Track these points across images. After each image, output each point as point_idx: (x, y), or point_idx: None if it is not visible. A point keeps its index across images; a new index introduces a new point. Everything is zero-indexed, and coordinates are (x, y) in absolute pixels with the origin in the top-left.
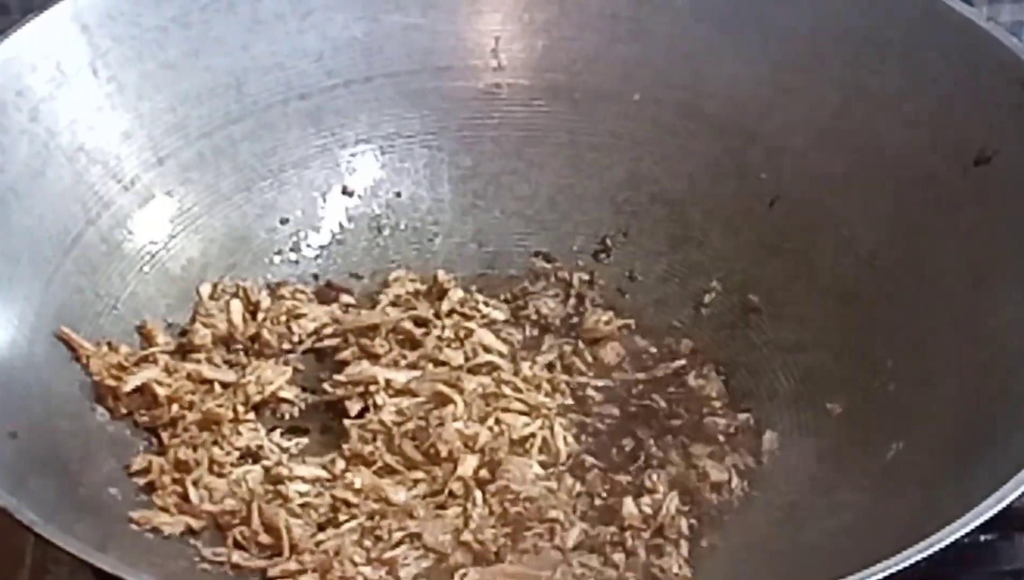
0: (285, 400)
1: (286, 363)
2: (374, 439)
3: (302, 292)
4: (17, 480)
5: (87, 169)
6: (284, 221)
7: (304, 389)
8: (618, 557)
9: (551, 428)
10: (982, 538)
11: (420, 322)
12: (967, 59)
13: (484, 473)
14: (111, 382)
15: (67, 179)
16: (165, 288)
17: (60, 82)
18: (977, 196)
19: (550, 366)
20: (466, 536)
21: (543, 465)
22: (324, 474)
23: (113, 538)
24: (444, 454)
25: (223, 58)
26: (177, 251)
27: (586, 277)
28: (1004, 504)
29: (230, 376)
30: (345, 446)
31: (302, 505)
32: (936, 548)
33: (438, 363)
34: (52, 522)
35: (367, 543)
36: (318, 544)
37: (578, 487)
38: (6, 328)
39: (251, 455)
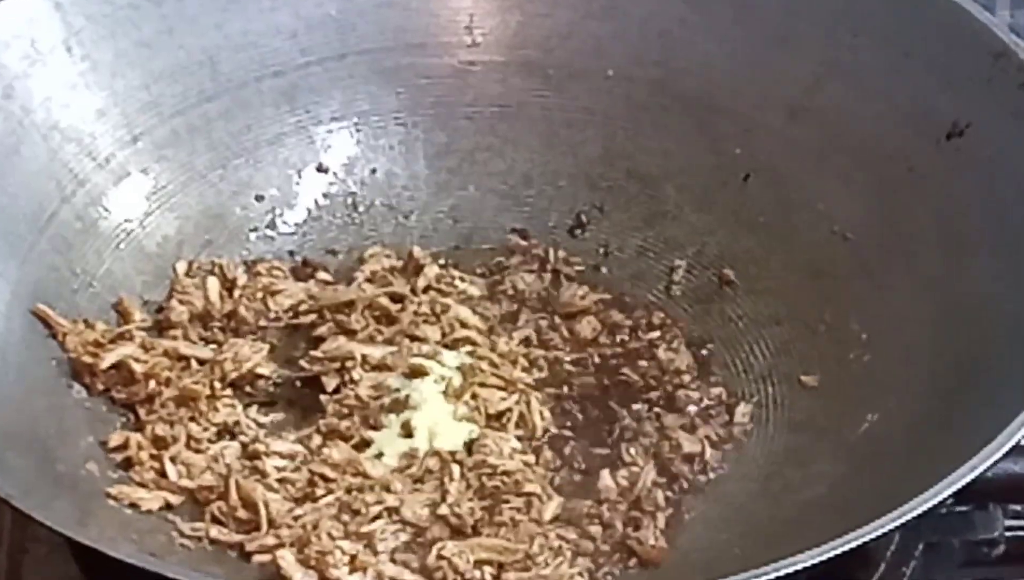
0: (262, 376)
1: (263, 339)
2: (351, 414)
3: (278, 269)
4: None
5: (61, 147)
6: (259, 198)
7: (281, 365)
8: (595, 529)
9: (528, 402)
10: (958, 509)
11: (396, 298)
12: (940, 33)
13: (461, 447)
14: (88, 359)
15: (41, 157)
16: (141, 265)
17: (34, 60)
18: (950, 169)
19: (526, 341)
20: (443, 510)
21: (520, 439)
22: (301, 449)
23: (91, 513)
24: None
25: (197, 36)
26: (152, 229)
27: (562, 253)
28: (976, 474)
29: (207, 353)
30: (322, 421)
31: (279, 480)
32: (909, 517)
33: (414, 338)
34: (30, 497)
35: (345, 517)
36: (296, 518)
37: (555, 460)
38: None
39: (228, 431)
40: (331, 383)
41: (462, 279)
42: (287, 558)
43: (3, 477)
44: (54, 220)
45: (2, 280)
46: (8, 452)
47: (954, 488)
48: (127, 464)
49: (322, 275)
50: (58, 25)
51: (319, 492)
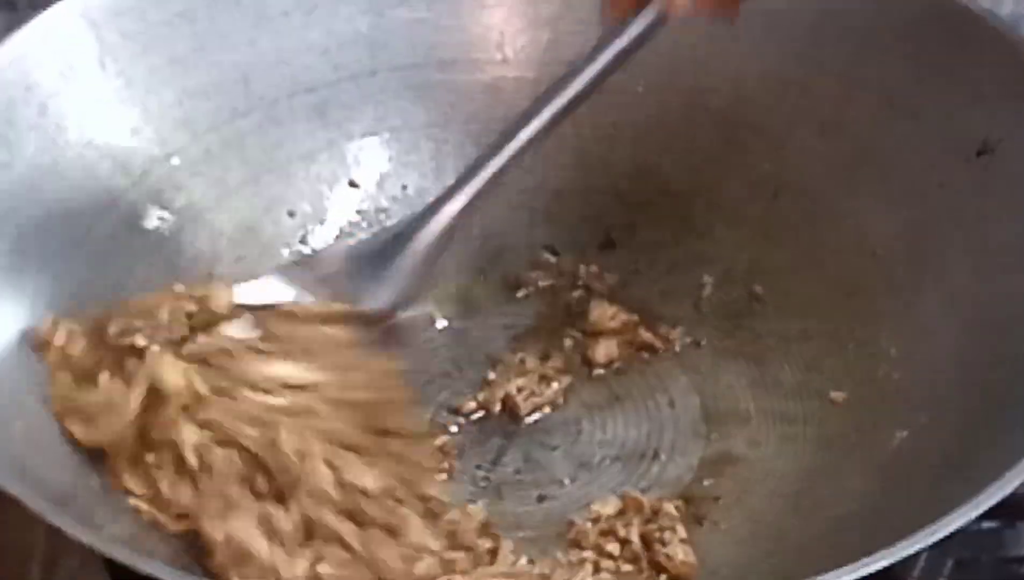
0: None
1: None
2: None
3: None
4: (28, 471)
5: (96, 164)
6: (291, 214)
7: None
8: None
9: None
10: (986, 525)
11: None
12: (970, 49)
13: None
14: None
15: (76, 174)
16: (174, 281)
17: (68, 77)
18: (980, 186)
19: (545, 356)
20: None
21: None
22: None
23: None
24: None
25: (229, 53)
26: (186, 245)
27: (592, 269)
28: (1007, 492)
29: None
30: None
31: None
32: (940, 535)
33: None
34: (63, 512)
35: None
36: None
37: None
38: (16, 322)
39: None
40: None
41: None
42: None
43: (36, 491)
44: (88, 237)
45: (37, 296)
46: (41, 465)
47: (985, 506)
48: None
49: None
50: (92, 42)
51: None
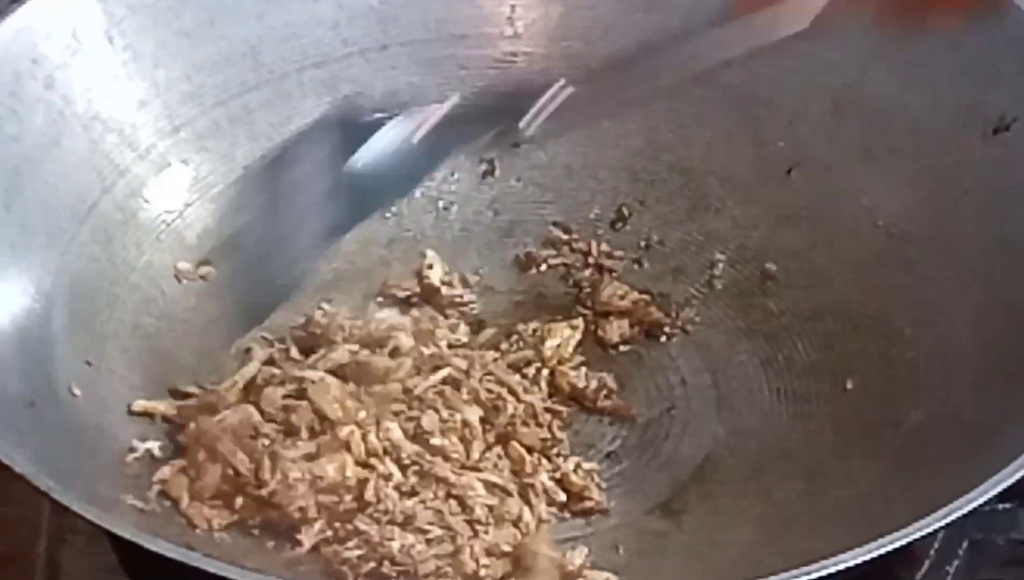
0: None
1: None
2: None
3: None
4: (34, 448)
5: (102, 137)
6: None
7: None
8: None
9: None
10: (1000, 506)
11: None
12: (986, 26)
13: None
14: None
15: (82, 148)
16: (181, 256)
17: (75, 50)
18: (996, 164)
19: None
20: None
21: None
22: None
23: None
24: None
25: (238, 27)
26: (193, 220)
27: (603, 246)
28: (1022, 473)
29: None
30: None
31: None
32: (954, 516)
33: None
34: (69, 489)
35: None
36: None
37: None
38: (22, 296)
39: None
40: None
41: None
42: None
43: (43, 469)
44: (94, 211)
45: (42, 270)
46: (47, 443)
47: (1000, 487)
48: None
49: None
50: (100, 15)
51: None
